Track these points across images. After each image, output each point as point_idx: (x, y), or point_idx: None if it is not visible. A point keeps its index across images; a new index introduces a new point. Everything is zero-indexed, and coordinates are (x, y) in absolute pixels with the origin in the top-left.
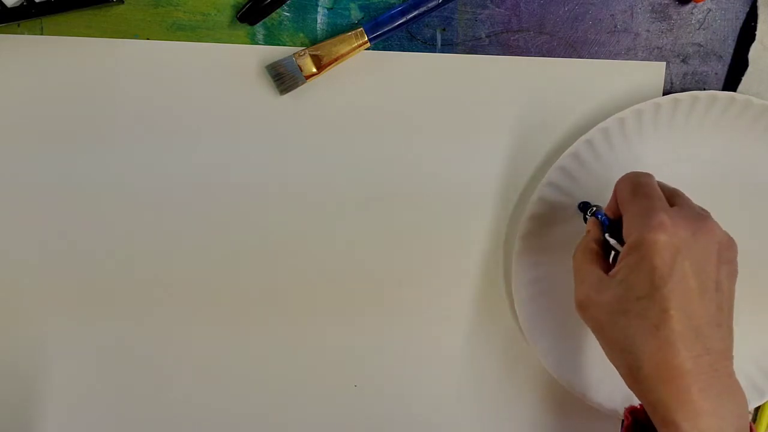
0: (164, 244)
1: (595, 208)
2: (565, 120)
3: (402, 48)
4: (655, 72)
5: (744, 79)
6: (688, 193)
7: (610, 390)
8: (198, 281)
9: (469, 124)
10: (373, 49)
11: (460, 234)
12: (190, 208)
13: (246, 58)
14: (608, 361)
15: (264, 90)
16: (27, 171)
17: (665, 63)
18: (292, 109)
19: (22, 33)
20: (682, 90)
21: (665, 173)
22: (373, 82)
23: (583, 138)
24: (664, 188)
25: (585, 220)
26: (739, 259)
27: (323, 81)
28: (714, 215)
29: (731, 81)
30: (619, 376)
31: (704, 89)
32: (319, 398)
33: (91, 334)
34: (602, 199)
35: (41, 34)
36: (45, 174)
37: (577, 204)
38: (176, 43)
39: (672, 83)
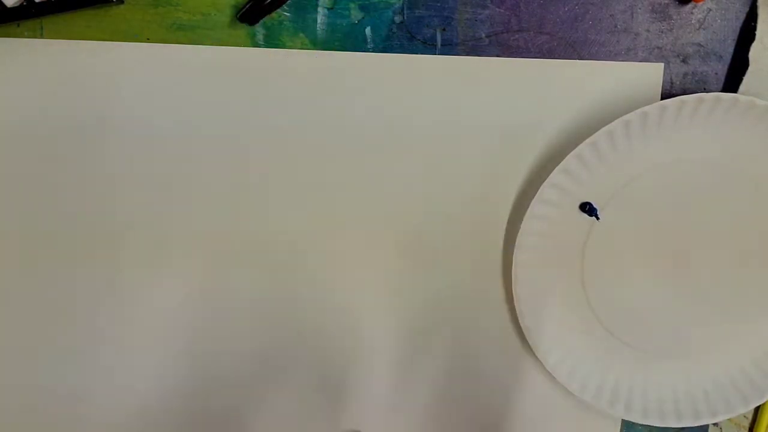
0: (162, 248)
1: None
2: (563, 121)
3: (402, 48)
4: (653, 73)
5: (745, 79)
6: (691, 194)
7: (611, 391)
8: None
9: (466, 125)
10: (374, 51)
11: (458, 234)
12: (190, 209)
13: (246, 60)
14: (610, 362)
15: (264, 91)
16: (27, 172)
17: (663, 64)
18: (293, 110)
19: (22, 33)
20: (683, 90)
21: (668, 174)
22: (373, 85)
23: (588, 140)
24: None
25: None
26: (741, 259)
27: (322, 82)
28: (717, 215)
29: (731, 81)
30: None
31: (704, 89)
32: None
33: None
34: (604, 198)
35: (41, 34)
36: (44, 174)
37: (578, 204)
38: (176, 46)
39: (672, 83)
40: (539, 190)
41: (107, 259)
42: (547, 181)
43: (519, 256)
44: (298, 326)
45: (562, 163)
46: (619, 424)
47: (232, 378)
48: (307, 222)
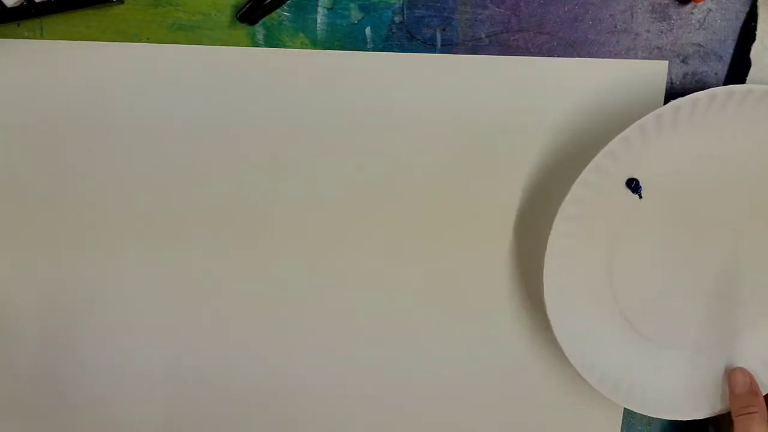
0: (162, 254)
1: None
2: (567, 120)
3: (402, 48)
4: (657, 71)
5: (747, 80)
6: (732, 189)
7: (615, 378)
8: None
9: (468, 123)
10: (373, 50)
11: (463, 230)
12: (190, 206)
13: (245, 60)
14: (624, 351)
15: (263, 91)
16: (27, 173)
17: (667, 62)
18: (293, 108)
19: (22, 33)
20: (683, 90)
21: (711, 167)
22: (373, 83)
23: (637, 122)
24: None
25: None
26: (745, 253)
27: (322, 82)
28: (757, 212)
29: (731, 81)
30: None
31: (704, 89)
32: (317, 388)
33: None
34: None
35: (41, 34)
36: (45, 175)
37: (624, 181)
38: (175, 46)
39: (672, 83)
40: (581, 175)
41: (106, 256)
42: (591, 164)
43: (553, 242)
44: (299, 324)
45: (608, 145)
46: (620, 422)
47: (228, 374)
48: (310, 215)
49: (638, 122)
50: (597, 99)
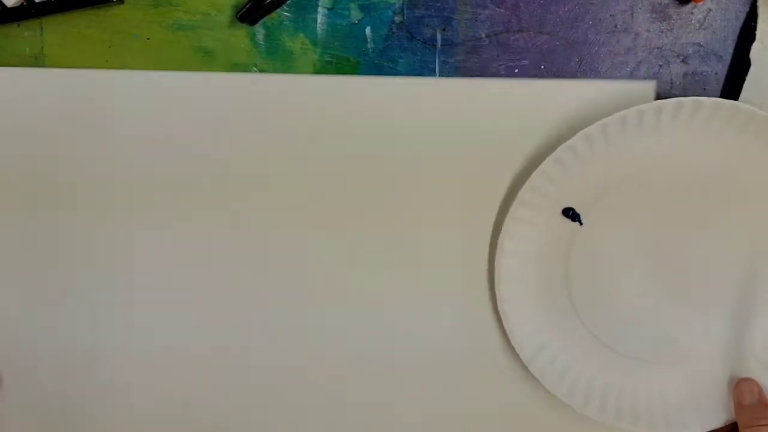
0: (167, 268)
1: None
2: (554, 142)
3: (402, 48)
4: (644, 91)
5: (747, 79)
6: (673, 198)
7: (601, 397)
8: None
9: (454, 145)
10: (373, 51)
11: (447, 238)
12: (191, 214)
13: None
14: (596, 367)
15: (264, 114)
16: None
17: (655, 81)
18: (293, 125)
19: (22, 33)
20: (683, 90)
21: (649, 178)
22: (367, 104)
23: (567, 143)
24: None
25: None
26: (722, 263)
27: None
28: (698, 219)
29: (731, 81)
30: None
31: (704, 89)
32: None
33: None
34: (587, 203)
35: (41, 34)
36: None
37: (561, 209)
38: (174, 73)
39: (672, 83)
40: (519, 193)
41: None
42: (526, 183)
43: (502, 259)
44: (295, 317)
45: (541, 165)
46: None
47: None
48: (306, 223)
49: (601, 121)
50: (589, 120)
